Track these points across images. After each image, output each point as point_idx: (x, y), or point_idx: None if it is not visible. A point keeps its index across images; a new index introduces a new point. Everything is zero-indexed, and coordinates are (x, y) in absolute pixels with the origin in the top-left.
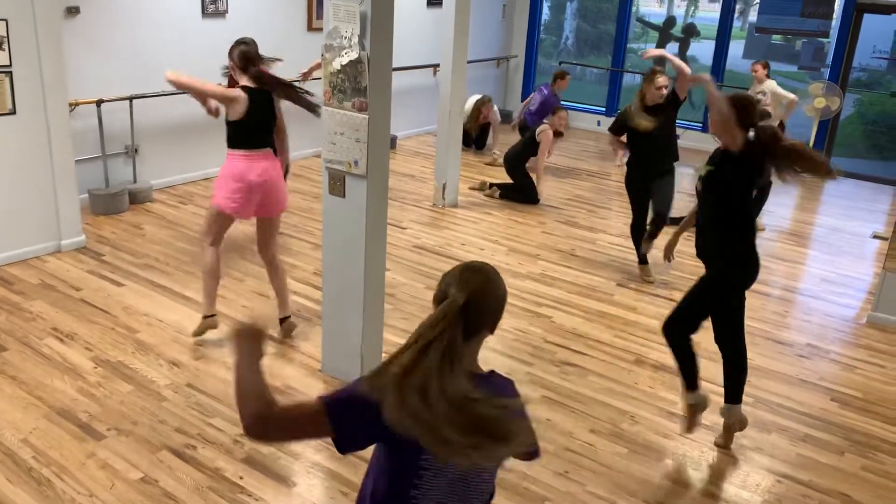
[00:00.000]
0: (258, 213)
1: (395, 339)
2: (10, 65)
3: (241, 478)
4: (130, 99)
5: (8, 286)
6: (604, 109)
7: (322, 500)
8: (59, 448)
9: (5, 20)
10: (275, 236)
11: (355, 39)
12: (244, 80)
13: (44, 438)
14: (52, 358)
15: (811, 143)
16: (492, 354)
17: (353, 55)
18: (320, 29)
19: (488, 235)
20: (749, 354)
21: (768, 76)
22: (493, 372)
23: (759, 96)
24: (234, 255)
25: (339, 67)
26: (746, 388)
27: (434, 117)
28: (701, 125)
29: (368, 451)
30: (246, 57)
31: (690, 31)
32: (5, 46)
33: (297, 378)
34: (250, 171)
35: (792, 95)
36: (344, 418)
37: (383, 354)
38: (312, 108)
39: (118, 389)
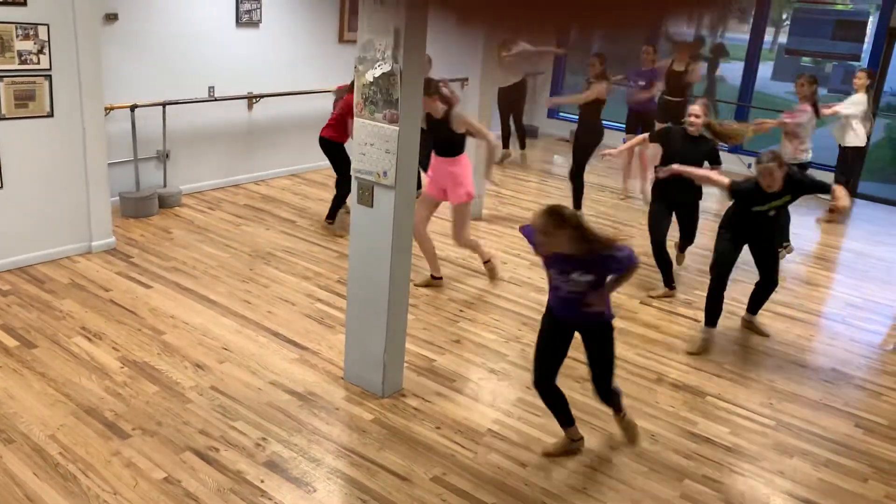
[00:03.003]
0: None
1: (416, 349)
2: (50, 69)
3: (262, 481)
4: (164, 105)
5: (39, 285)
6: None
7: None
8: (85, 445)
9: (47, 25)
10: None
11: (389, 52)
12: None
13: (71, 435)
14: (80, 356)
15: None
16: (512, 368)
17: (386, 68)
18: (351, 41)
19: (511, 249)
20: (773, 377)
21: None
22: None
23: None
24: (260, 261)
25: (371, 80)
26: (768, 411)
27: None
28: (727, 145)
29: (393, 464)
30: None
31: (719, 52)
32: (46, 51)
33: (319, 385)
34: None
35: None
36: None
37: (405, 364)
38: None
39: (144, 390)
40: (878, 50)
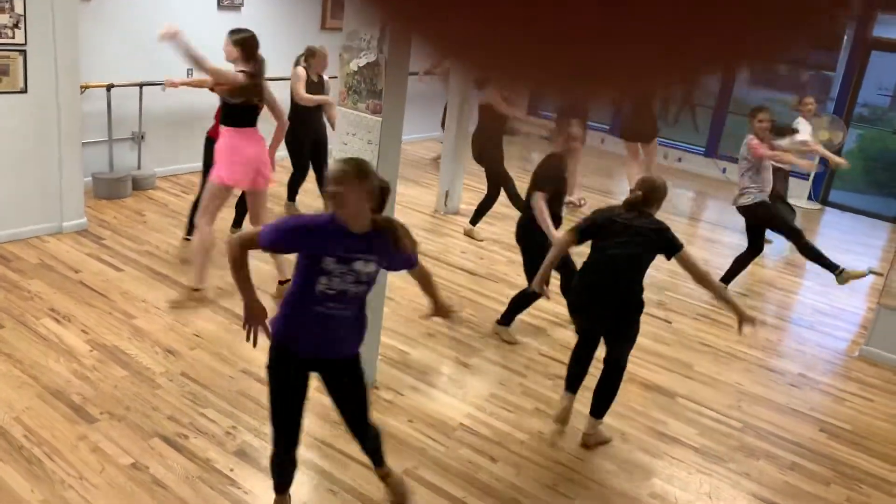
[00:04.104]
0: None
1: (391, 342)
2: (25, 43)
3: (231, 470)
4: (140, 85)
5: (7, 264)
6: (608, 127)
7: (310, 497)
8: (51, 429)
9: None
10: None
11: (374, 42)
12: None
13: (36, 418)
14: (48, 338)
15: (812, 176)
16: (486, 364)
17: (371, 57)
18: (334, 28)
19: (488, 245)
20: (740, 380)
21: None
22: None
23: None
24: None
25: (356, 69)
26: (736, 413)
27: (439, 124)
28: (703, 149)
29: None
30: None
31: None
32: (21, 25)
33: None
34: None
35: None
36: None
37: (379, 357)
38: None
39: (112, 374)
40: (853, 60)
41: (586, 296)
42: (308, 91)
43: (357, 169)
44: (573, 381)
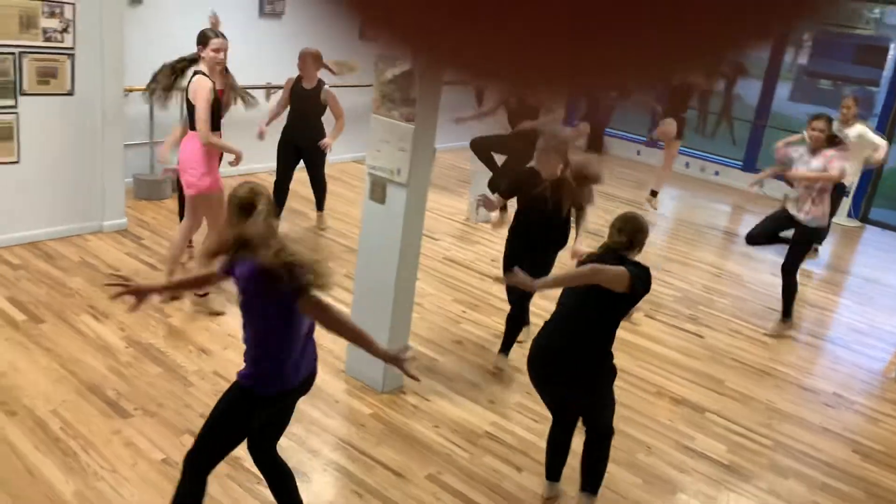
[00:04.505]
0: None
1: (419, 347)
2: (74, 48)
3: None
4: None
5: (50, 261)
6: (644, 138)
7: (334, 498)
8: (87, 422)
9: (73, 4)
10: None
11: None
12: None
13: (73, 412)
14: (86, 334)
15: (852, 192)
16: (513, 371)
17: (407, 66)
18: (372, 38)
19: None
20: (773, 398)
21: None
22: None
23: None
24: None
25: (391, 77)
26: (766, 431)
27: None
28: (741, 163)
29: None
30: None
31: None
32: (70, 30)
33: (320, 376)
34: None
35: (882, 141)
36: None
37: None
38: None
39: (147, 371)
40: None
41: (538, 359)
42: (298, 102)
43: (228, 197)
44: (555, 467)
